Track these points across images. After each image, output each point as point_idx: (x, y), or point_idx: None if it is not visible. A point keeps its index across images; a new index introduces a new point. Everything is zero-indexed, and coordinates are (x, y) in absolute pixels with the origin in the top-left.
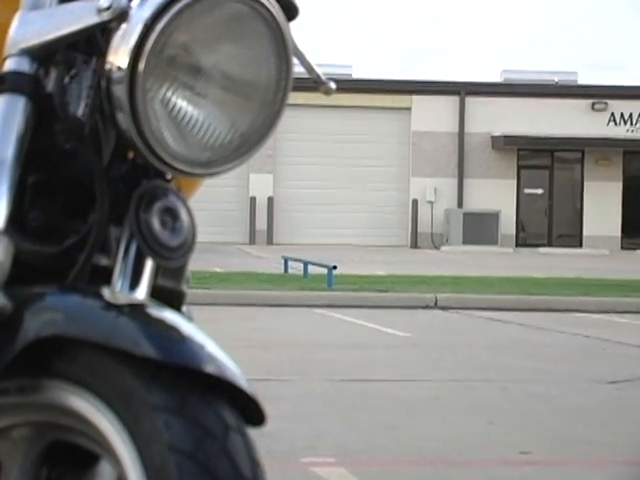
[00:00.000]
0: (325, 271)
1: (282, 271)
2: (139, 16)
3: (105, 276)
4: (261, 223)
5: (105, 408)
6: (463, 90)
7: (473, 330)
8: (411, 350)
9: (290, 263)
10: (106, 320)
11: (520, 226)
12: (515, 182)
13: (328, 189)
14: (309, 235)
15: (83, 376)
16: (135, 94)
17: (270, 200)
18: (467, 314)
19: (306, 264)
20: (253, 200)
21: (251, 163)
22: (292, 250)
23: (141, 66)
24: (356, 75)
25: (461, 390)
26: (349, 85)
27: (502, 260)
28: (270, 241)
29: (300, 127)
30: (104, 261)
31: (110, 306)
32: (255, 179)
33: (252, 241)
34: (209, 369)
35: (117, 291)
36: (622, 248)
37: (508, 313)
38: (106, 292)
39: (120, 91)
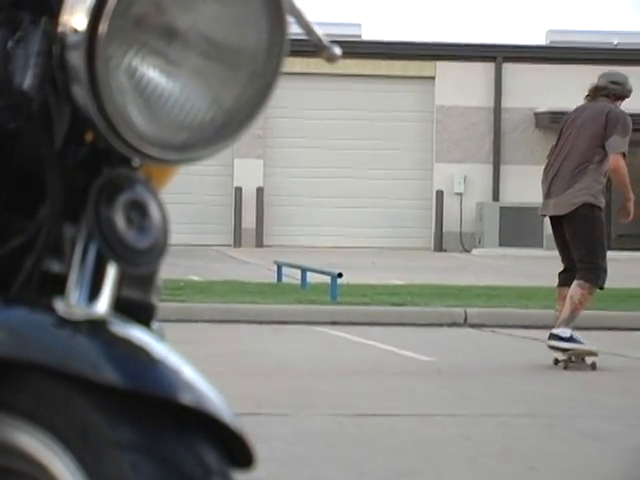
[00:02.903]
0: (328, 280)
1: (275, 280)
2: None
3: (58, 285)
4: (248, 220)
5: (59, 446)
6: (500, 55)
7: (511, 353)
8: (435, 378)
9: (284, 270)
10: (59, 340)
11: None
12: None
13: (331, 178)
14: (308, 235)
15: (32, 407)
16: (95, 62)
17: (259, 192)
18: (504, 333)
19: (304, 271)
20: (238, 192)
21: (236, 146)
22: (287, 254)
23: (102, 28)
24: (366, 36)
25: (496, 427)
26: (358, 49)
27: (548, 266)
28: (260, 242)
29: (297, 101)
30: (57, 267)
31: (64, 322)
32: (241, 166)
33: (237, 242)
34: (185, 399)
35: (73, 304)
36: None
37: None
38: (59, 305)
39: (76, 58)
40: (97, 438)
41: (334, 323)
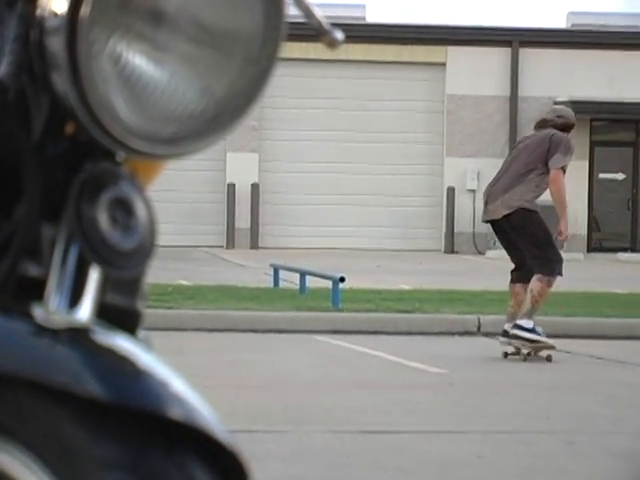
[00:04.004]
0: (329, 284)
1: (271, 284)
2: None
3: (36, 290)
4: (243, 219)
5: (37, 464)
6: (516, 39)
7: (529, 364)
8: (446, 391)
9: (282, 274)
10: (38, 349)
11: (594, 224)
12: (587, 164)
13: (333, 173)
14: (307, 236)
15: (7, 422)
16: (76, 48)
17: (254, 188)
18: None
19: (303, 275)
20: (232, 188)
21: (229, 139)
22: (284, 256)
23: (84, 11)
24: (371, 19)
25: (513, 445)
26: (362, 32)
27: (569, 270)
28: (255, 244)
29: (295, 90)
30: (34, 270)
31: (43, 330)
32: (234, 160)
33: (230, 244)
34: (174, 414)
35: (52, 310)
36: None
37: (577, 341)
38: (38, 312)
39: (56, 44)
40: (78, 455)
41: (336, 332)
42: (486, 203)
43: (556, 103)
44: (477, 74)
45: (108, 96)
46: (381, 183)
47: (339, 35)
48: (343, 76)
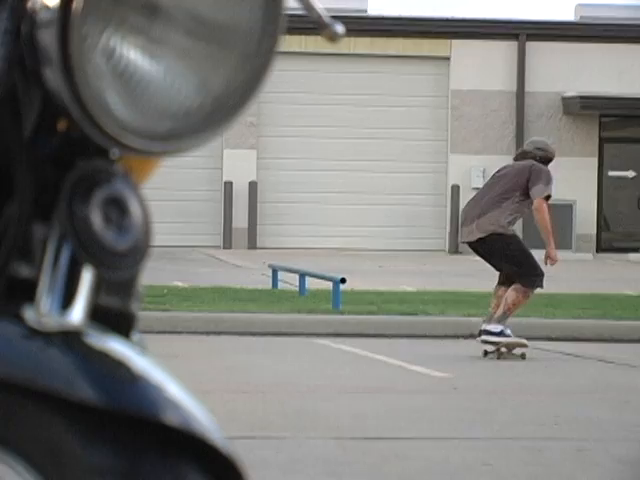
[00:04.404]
0: (329, 286)
1: (269, 286)
2: None
3: (27, 292)
4: (240, 218)
5: (28, 471)
6: (523, 32)
7: (537, 368)
8: (451, 396)
9: (280, 274)
10: (29, 353)
11: (603, 223)
12: (596, 161)
13: (333, 171)
14: (307, 236)
15: None
16: (68, 42)
17: (252, 186)
18: (529, 346)
19: (303, 276)
20: (229, 186)
21: (226, 136)
22: (283, 257)
23: (77, 4)
24: (373, 12)
25: (520, 452)
26: (363, 25)
27: (578, 270)
28: (252, 244)
29: (295, 85)
30: (26, 271)
31: (34, 334)
32: (232, 157)
33: (228, 244)
34: (170, 419)
35: (44, 313)
36: None
37: (586, 345)
38: (29, 314)
39: (48, 38)
40: (71, 462)
41: (336, 335)
42: (462, 224)
43: (564, 98)
44: (482, 68)
45: (101, 92)
46: (383, 181)
47: (340, 28)
48: (344, 71)
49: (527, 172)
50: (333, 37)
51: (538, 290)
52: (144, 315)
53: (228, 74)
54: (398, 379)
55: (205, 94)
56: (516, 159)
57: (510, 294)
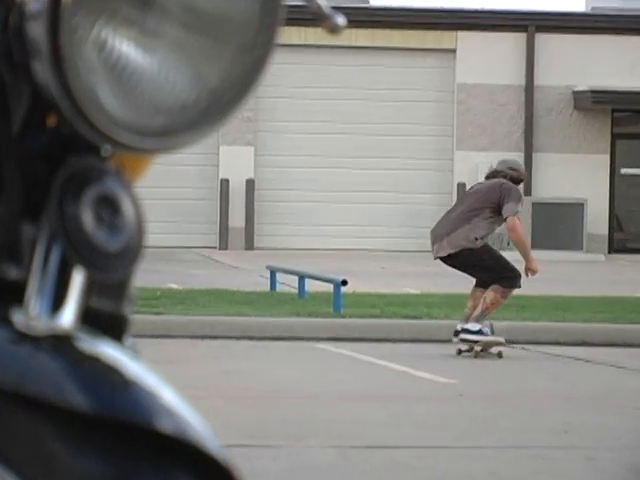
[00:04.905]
0: (330, 288)
1: (267, 288)
2: None
3: (15, 294)
4: (237, 218)
5: None
6: (532, 24)
7: (546, 374)
8: (456, 403)
9: (279, 276)
10: (17, 357)
11: (615, 223)
12: (608, 158)
13: (334, 169)
14: (306, 236)
15: None
16: (58, 34)
17: (249, 184)
18: (537, 351)
19: (302, 278)
20: (225, 184)
21: (222, 132)
22: (282, 257)
23: None
24: (376, 2)
25: (528, 461)
26: (366, 17)
27: (589, 272)
28: (250, 244)
29: (294, 79)
30: (14, 273)
31: (23, 337)
32: (228, 154)
33: (224, 244)
34: (164, 426)
35: (33, 316)
36: None
37: (597, 350)
38: (17, 317)
39: (37, 30)
40: (61, 471)
41: (337, 339)
42: (433, 241)
43: (574, 93)
44: (490, 61)
45: (93, 86)
46: (386, 179)
47: (341, 20)
48: (345, 64)
49: (498, 190)
50: (334, 29)
51: (547, 293)
52: (137, 318)
53: (224, 67)
54: (401, 385)
55: (201, 88)
56: (487, 177)
57: (489, 294)
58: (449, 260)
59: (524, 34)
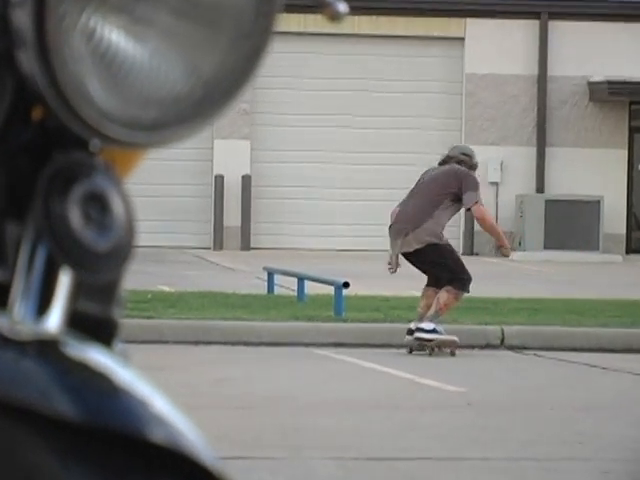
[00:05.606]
0: (331, 291)
1: (265, 290)
2: None
3: None
4: (232, 216)
5: None
6: (545, 10)
7: (560, 382)
8: (465, 412)
9: (277, 278)
10: (1, 364)
11: (633, 221)
12: (626, 153)
13: (335, 164)
14: (306, 235)
15: None
16: (45, 22)
17: (246, 181)
18: (551, 357)
19: (301, 280)
20: (219, 181)
21: (217, 125)
22: (280, 258)
23: None
24: None
25: (540, 474)
26: (368, 3)
27: (606, 274)
28: (246, 244)
29: (293, 69)
30: None
31: (7, 342)
32: (223, 148)
33: (218, 244)
34: (155, 436)
35: (17, 319)
36: None
37: (614, 356)
38: (1, 321)
39: (22, 18)
40: None
41: (338, 344)
42: (395, 237)
43: (590, 84)
44: (500, 50)
45: (81, 76)
46: (390, 175)
47: (342, 6)
48: (347, 53)
49: (454, 178)
50: (335, 16)
51: (561, 296)
52: (126, 323)
53: (219, 57)
54: (406, 393)
55: (194, 79)
56: (440, 164)
57: (442, 295)
58: (413, 256)
59: (537, 21)
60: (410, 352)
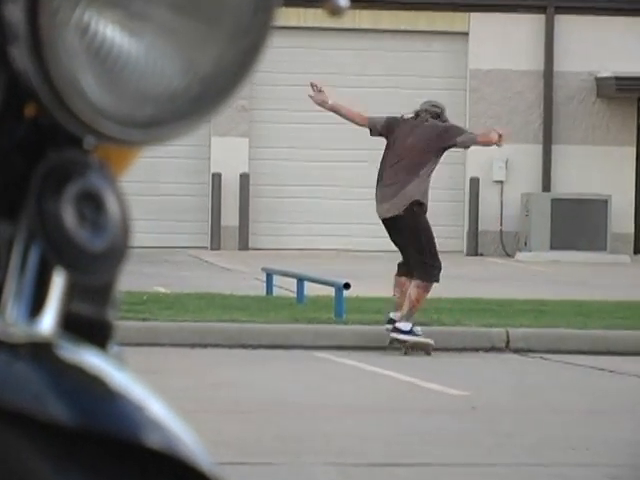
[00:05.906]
0: (331, 292)
1: (263, 292)
2: None
3: None
4: (230, 216)
5: None
6: (551, 4)
7: (566, 386)
8: (468, 417)
9: (276, 279)
10: None
11: None
12: (634, 151)
13: (336, 162)
14: (305, 235)
15: None
16: (38, 17)
17: (244, 179)
18: (557, 360)
19: (301, 281)
20: (217, 179)
21: (214, 122)
22: (279, 259)
23: None
24: None
25: (546, 479)
26: None
27: (614, 275)
28: (244, 244)
29: (292, 64)
30: None
31: None
32: (220, 146)
33: (216, 244)
34: (151, 441)
35: (10, 321)
36: None
37: (622, 359)
38: None
39: (15, 12)
40: None
41: (339, 347)
42: (381, 200)
43: (598, 79)
44: (505, 45)
45: (75, 72)
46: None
47: (343, 0)
48: (348, 47)
49: (435, 136)
50: (335, 10)
51: (567, 297)
52: (121, 325)
53: (217, 53)
54: (409, 397)
55: (191, 75)
56: (414, 119)
57: (413, 291)
58: (393, 222)
59: (543, 15)
60: (390, 343)
